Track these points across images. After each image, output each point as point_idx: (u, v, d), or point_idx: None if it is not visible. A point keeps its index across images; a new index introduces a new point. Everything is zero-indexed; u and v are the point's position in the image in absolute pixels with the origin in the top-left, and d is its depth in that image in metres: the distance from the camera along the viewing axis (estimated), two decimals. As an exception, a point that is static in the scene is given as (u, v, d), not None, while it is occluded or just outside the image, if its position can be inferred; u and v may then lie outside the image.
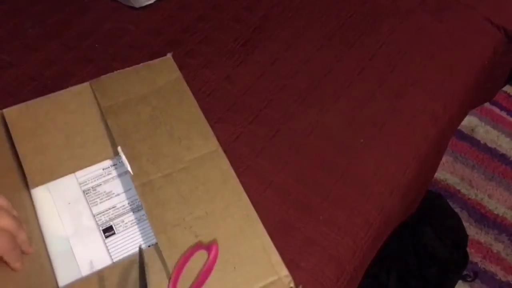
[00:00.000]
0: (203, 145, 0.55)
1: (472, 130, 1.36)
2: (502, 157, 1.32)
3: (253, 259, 0.49)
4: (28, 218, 0.50)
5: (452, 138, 1.19)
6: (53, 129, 0.57)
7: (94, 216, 0.53)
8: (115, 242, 0.51)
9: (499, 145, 1.34)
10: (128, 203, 0.54)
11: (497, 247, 1.16)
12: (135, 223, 0.52)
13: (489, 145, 1.34)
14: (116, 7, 0.84)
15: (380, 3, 0.89)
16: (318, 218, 0.64)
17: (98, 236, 0.51)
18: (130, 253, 0.50)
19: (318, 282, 0.59)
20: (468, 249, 1.07)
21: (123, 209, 0.53)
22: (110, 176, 0.55)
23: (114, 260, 0.50)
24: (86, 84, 0.59)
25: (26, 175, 0.54)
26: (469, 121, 1.37)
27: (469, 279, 1.08)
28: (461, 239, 1.06)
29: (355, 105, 0.75)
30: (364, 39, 0.83)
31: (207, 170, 0.53)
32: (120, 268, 0.49)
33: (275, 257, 0.50)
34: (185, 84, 0.60)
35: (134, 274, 0.48)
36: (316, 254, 0.61)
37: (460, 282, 1.06)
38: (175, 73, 0.61)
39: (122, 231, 0.52)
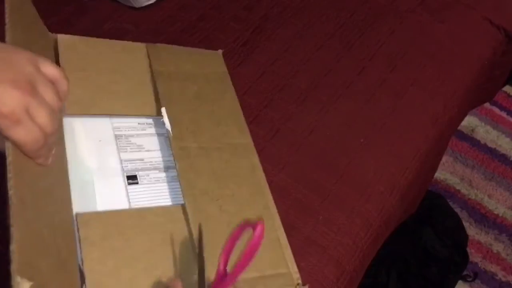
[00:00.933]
0: (238, 135, 0.57)
1: (472, 130, 1.36)
2: (502, 157, 1.32)
3: (268, 248, 0.50)
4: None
5: (452, 138, 1.19)
6: (101, 69, 0.56)
7: (121, 161, 0.52)
8: (136, 191, 0.51)
9: (499, 145, 1.34)
10: (156, 161, 0.54)
11: (497, 247, 1.16)
12: (159, 181, 0.53)
13: (489, 145, 1.34)
14: (116, 7, 0.84)
15: (380, 3, 0.89)
16: (318, 218, 0.64)
17: (121, 180, 0.51)
18: (149, 204, 0.50)
19: (318, 282, 0.59)
20: (468, 249, 1.07)
21: (150, 164, 0.53)
22: (144, 132, 0.55)
23: (132, 206, 0.50)
24: (142, 45, 0.60)
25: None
26: (469, 121, 1.37)
27: (469, 279, 1.08)
28: (461, 239, 1.06)
29: (355, 105, 0.75)
30: (364, 39, 0.83)
31: (239, 157, 0.55)
32: (136, 214, 0.49)
33: (288, 252, 0.51)
34: (230, 80, 0.61)
35: (149, 220, 0.48)
36: (316, 254, 0.61)
37: (460, 282, 1.06)
38: (223, 68, 0.63)
39: (146, 183, 0.52)
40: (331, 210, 0.65)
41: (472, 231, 1.18)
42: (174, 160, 0.52)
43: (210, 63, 0.62)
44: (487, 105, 1.39)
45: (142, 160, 0.54)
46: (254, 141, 0.69)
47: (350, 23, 0.85)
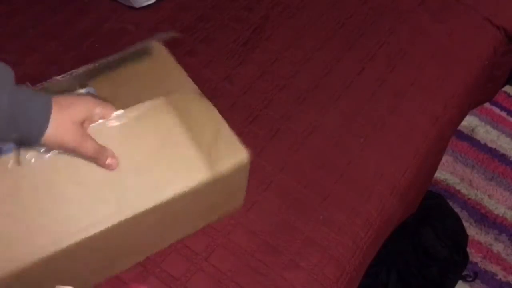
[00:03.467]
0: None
1: (472, 130, 1.36)
2: (502, 157, 1.32)
3: None
4: None
5: (452, 138, 1.19)
6: None
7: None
8: None
9: (499, 145, 1.34)
10: None
11: (497, 247, 1.16)
12: None
13: (489, 145, 1.34)
14: (116, 7, 0.84)
15: (380, 3, 0.89)
16: (318, 218, 0.64)
17: None
18: None
19: (318, 282, 0.59)
20: (468, 249, 1.06)
21: None
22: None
23: None
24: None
25: None
26: (469, 121, 1.37)
27: (469, 279, 1.08)
28: (461, 239, 1.06)
29: (355, 105, 0.75)
30: (364, 39, 0.83)
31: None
32: None
33: None
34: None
35: None
36: (316, 254, 0.61)
37: (460, 282, 1.06)
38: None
39: None
40: (331, 210, 0.65)
41: (472, 231, 1.18)
42: None
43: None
44: (487, 105, 1.38)
45: None
46: (254, 141, 0.69)
47: (350, 23, 0.85)
